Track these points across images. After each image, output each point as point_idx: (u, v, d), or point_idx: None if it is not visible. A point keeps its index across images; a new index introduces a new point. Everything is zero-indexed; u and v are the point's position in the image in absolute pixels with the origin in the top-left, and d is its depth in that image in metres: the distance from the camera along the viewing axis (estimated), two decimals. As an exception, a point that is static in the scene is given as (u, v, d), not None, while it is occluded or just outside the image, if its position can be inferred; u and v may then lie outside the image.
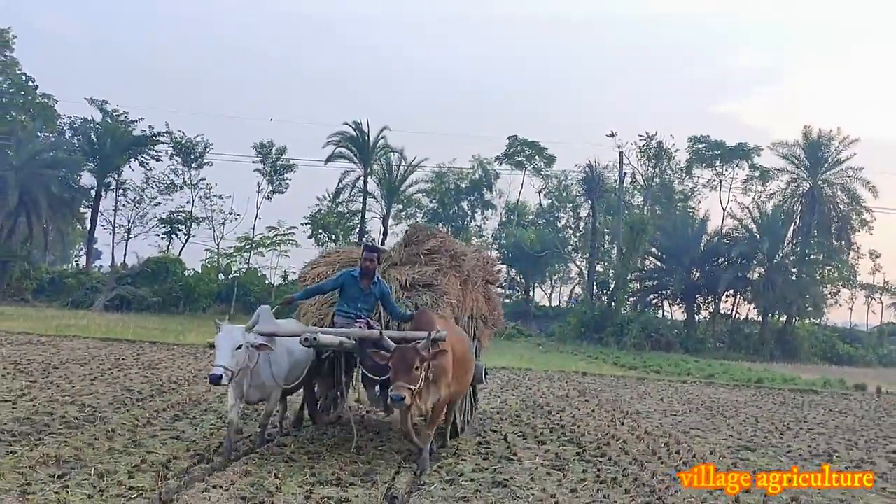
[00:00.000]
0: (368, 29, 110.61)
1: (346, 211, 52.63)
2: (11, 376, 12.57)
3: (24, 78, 56.71)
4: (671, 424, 12.82)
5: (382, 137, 50.20)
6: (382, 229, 50.68)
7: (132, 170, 53.13)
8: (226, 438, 7.95)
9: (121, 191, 53.23)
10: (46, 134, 53.88)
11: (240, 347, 7.48)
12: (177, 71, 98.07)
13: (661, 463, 9.09)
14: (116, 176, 51.87)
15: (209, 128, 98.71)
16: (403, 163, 52.00)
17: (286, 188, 55.48)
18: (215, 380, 7.22)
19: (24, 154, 44.30)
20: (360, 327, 8.67)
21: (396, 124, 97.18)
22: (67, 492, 6.09)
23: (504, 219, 60.33)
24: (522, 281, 58.68)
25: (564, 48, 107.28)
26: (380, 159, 51.34)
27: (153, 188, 54.18)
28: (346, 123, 49.77)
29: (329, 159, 49.84)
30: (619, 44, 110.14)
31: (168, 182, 54.37)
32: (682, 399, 17.49)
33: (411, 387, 7.19)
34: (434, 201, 57.88)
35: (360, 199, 51.05)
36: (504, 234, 58.14)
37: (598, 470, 8.42)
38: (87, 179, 50.17)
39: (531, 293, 59.41)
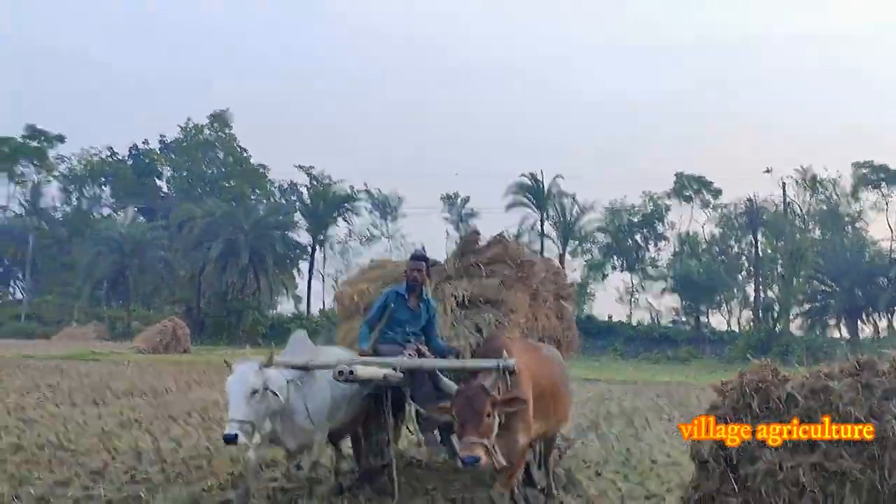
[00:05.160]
0: (532, 73, 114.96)
1: (526, 252, 57.24)
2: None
3: (238, 149, 65.73)
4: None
5: (556, 185, 55.78)
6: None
7: (337, 225, 60.01)
8: (240, 485, 6.69)
9: (328, 244, 60.50)
10: (261, 199, 62.36)
11: (255, 392, 6.05)
12: (371, 137, 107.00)
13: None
14: (324, 232, 58.81)
15: (401, 184, 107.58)
16: (576, 206, 57.22)
17: (472, 234, 61.50)
18: (230, 439, 5.83)
19: (251, 219, 52.15)
20: (410, 356, 7.05)
21: (566, 162, 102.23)
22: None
23: (677, 249, 62.81)
24: (694, 308, 61.42)
25: (722, 76, 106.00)
26: (554, 204, 56.68)
27: (355, 240, 61.59)
28: (523, 175, 55.89)
29: (509, 207, 56.14)
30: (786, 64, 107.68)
31: (368, 234, 61.85)
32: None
33: (484, 441, 5.50)
34: (608, 236, 61.44)
35: (539, 241, 56.23)
36: (677, 265, 60.72)
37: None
38: (303, 236, 57.16)
39: (706, 319, 61.48)
